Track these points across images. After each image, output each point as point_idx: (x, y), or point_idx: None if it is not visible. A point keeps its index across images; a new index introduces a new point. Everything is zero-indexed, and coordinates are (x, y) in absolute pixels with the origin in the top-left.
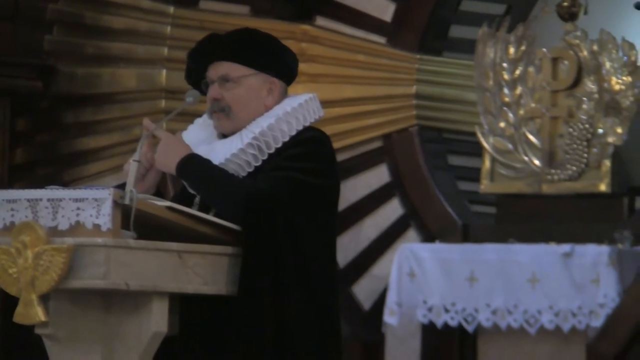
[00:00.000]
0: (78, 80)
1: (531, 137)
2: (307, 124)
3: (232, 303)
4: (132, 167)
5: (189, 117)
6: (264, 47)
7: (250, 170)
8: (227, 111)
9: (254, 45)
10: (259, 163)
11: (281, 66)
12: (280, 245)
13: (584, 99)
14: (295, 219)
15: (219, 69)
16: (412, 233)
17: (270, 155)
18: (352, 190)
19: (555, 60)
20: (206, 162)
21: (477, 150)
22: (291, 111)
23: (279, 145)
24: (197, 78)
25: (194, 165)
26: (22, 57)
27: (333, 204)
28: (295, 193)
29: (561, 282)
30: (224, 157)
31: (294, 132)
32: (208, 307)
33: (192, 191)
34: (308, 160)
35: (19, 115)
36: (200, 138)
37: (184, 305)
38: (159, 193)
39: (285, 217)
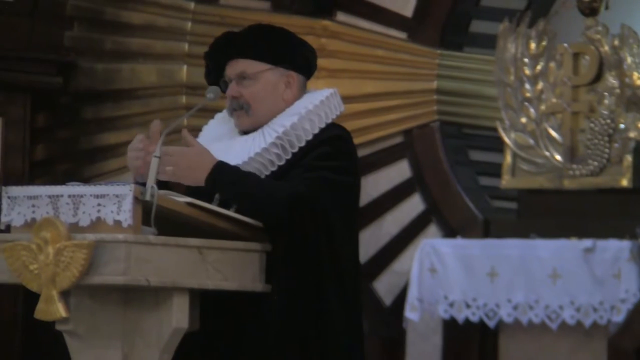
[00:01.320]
0: (98, 76)
1: (552, 133)
2: (329, 120)
3: (266, 300)
4: (152, 163)
5: (210, 112)
6: (278, 40)
7: (274, 169)
8: (246, 108)
9: (268, 40)
10: (283, 162)
11: (297, 59)
12: (320, 245)
13: (606, 94)
14: (331, 218)
15: (235, 67)
16: (433, 228)
17: (293, 154)
18: (373, 185)
19: (576, 56)
20: (236, 170)
21: (498, 146)
22: (313, 109)
23: (303, 144)
24: (216, 77)
25: (225, 176)
26: (42, 53)
27: (357, 201)
28: (329, 193)
29: (582, 277)
30: (247, 155)
31: (316, 130)
32: (229, 303)
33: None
34: (336, 159)
35: (39, 112)
36: (222, 132)
37: (205, 301)
38: (167, 186)
39: (324, 217)
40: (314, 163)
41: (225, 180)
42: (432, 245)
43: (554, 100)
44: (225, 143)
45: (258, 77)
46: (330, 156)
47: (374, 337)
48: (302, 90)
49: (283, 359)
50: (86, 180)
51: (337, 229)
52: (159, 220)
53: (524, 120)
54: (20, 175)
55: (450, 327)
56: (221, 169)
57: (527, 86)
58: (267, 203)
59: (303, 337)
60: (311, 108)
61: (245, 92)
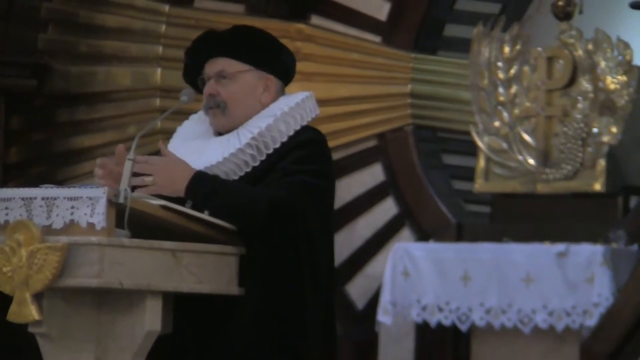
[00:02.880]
0: (72, 78)
1: (526, 137)
2: (304, 123)
3: (242, 304)
4: (126, 166)
5: (184, 115)
6: (261, 43)
7: (248, 170)
8: (222, 107)
9: (251, 42)
10: (257, 163)
11: (278, 63)
12: (300, 250)
13: (579, 98)
14: (310, 222)
15: (215, 65)
16: (406, 232)
17: (268, 155)
18: (347, 189)
19: (550, 60)
20: (215, 179)
21: (471, 150)
22: (288, 111)
23: (277, 145)
24: (194, 75)
25: (204, 185)
26: (16, 56)
27: (332, 204)
28: (308, 197)
29: (555, 281)
30: (222, 155)
31: (291, 133)
32: (203, 306)
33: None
34: (314, 162)
35: (13, 114)
36: (196, 132)
37: (178, 304)
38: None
39: (303, 222)
40: (292, 167)
41: (205, 189)
42: (405, 248)
43: (527, 104)
44: (200, 143)
45: (237, 77)
46: (307, 160)
47: (346, 340)
48: (279, 95)
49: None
50: (60, 183)
51: (315, 233)
52: (133, 223)
53: (497, 124)
54: None
55: (423, 331)
56: (200, 178)
57: (501, 90)
58: (248, 210)
59: (279, 340)
60: (286, 110)
61: (223, 91)
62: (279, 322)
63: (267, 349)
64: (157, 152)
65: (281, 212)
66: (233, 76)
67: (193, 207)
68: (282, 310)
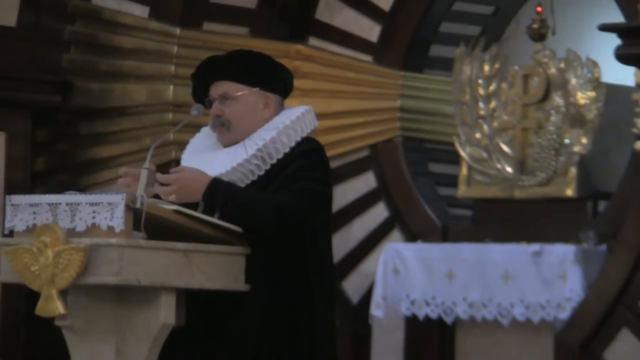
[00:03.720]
0: (92, 95)
1: (504, 147)
2: (304, 134)
3: (255, 300)
4: (142, 174)
5: (195, 128)
6: (258, 65)
7: (254, 178)
8: (227, 125)
9: (249, 65)
10: (262, 172)
11: (275, 81)
12: (307, 249)
13: (552, 112)
14: (314, 225)
15: (219, 88)
16: (396, 234)
17: (272, 165)
18: (342, 195)
19: (525, 77)
20: (228, 186)
21: (455, 159)
22: (290, 124)
23: (280, 156)
24: (201, 96)
25: (219, 192)
26: (42, 74)
27: (331, 208)
28: (311, 202)
29: (531, 278)
30: (230, 165)
31: (293, 144)
32: (212, 302)
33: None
34: (315, 170)
35: (39, 127)
36: (207, 145)
37: (190, 300)
38: (158, 195)
39: (308, 224)
40: (296, 174)
41: (219, 196)
42: (395, 249)
43: (505, 117)
44: (210, 154)
45: (239, 98)
46: (309, 168)
47: (342, 332)
48: (280, 109)
49: (264, 352)
50: (82, 190)
51: (318, 234)
52: (148, 226)
53: (478, 135)
54: (22, 185)
55: (412, 323)
56: (215, 186)
57: (481, 105)
58: (259, 214)
59: (290, 334)
60: (288, 123)
61: (227, 111)
62: (289, 318)
63: (279, 343)
64: (170, 162)
65: (288, 216)
66: (235, 97)
67: (204, 211)
68: (292, 306)
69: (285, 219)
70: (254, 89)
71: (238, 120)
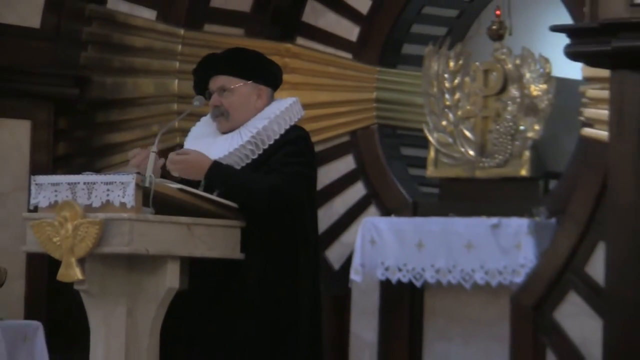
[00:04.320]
0: (107, 88)
1: (467, 133)
2: (292, 123)
3: (249, 267)
4: (150, 157)
5: (197, 117)
6: (252, 61)
7: (249, 162)
8: (225, 115)
9: (244, 61)
10: (256, 156)
11: (267, 75)
12: (294, 224)
13: (509, 102)
14: (301, 202)
15: (217, 82)
16: (372, 209)
17: (264, 150)
18: (325, 175)
19: (486, 72)
20: (227, 168)
21: (424, 143)
22: (280, 114)
23: (272, 142)
24: (202, 89)
25: (219, 173)
26: (63, 70)
27: (315, 188)
28: (299, 183)
29: (490, 247)
30: (227, 150)
31: (283, 131)
32: (213, 268)
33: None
34: (303, 155)
35: (60, 116)
36: (206, 132)
37: (193, 267)
38: (164, 175)
39: (296, 202)
40: (286, 159)
41: (219, 176)
42: (371, 222)
43: (468, 107)
44: (210, 140)
45: (235, 90)
46: (297, 153)
47: (326, 295)
48: (271, 100)
49: (260, 311)
50: (98, 171)
51: (304, 210)
52: (156, 202)
53: (444, 123)
54: (45, 167)
55: (386, 287)
56: (215, 168)
57: (447, 96)
58: (253, 193)
59: (279, 295)
60: (278, 113)
61: (225, 102)
62: (278, 282)
63: (269, 302)
64: (175, 147)
65: (278, 195)
66: (232, 89)
67: (204, 190)
68: (281, 271)
69: (276, 197)
70: (248, 82)
71: (234, 110)
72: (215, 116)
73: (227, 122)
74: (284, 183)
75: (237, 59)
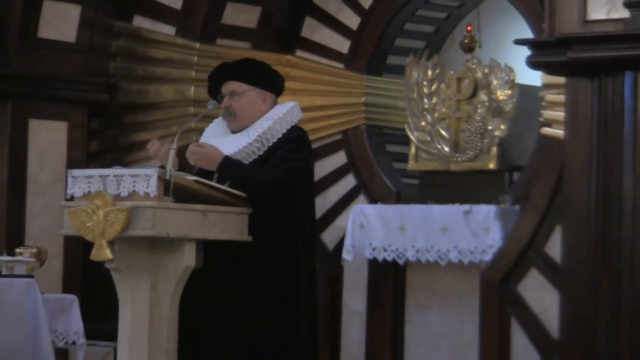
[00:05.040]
0: (133, 93)
1: (443, 132)
2: (293, 124)
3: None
4: (170, 154)
5: (210, 118)
6: (259, 70)
7: (255, 157)
8: (234, 116)
9: (252, 69)
10: (262, 153)
11: (271, 83)
12: (292, 211)
13: (479, 105)
14: (299, 193)
15: (228, 87)
16: (361, 197)
17: (269, 147)
18: (321, 168)
19: (459, 79)
20: (237, 162)
21: (406, 141)
22: (282, 116)
23: (275, 140)
24: (215, 93)
25: (230, 166)
26: (95, 78)
27: (312, 180)
28: (299, 176)
29: (463, 230)
30: (237, 147)
31: (284, 131)
32: (224, 249)
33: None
34: (301, 152)
35: (93, 118)
36: (218, 132)
37: (207, 247)
38: (182, 168)
39: (294, 193)
40: (287, 155)
41: (229, 169)
42: (360, 209)
43: (443, 110)
44: (221, 139)
45: (243, 94)
46: (297, 150)
47: (321, 272)
48: (274, 104)
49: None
50: (125, 165)
51: (302, 200)
52: (175, 192)
53: (423, 123)
54: (80, 162)
55: (373, 264)
56: (227, 161)
57: (425, 100)
58: (258, 184)
59: (282, 273)
60: (280, 115)
61: (235, 104)
62: (281, 261)
63: (274, 279)
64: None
65: (280, 187)
66: (241, 94)
67: (217, 181)
68: (283, 252)
69: (278, 189)
70: (255, 88)
71: (242, 112)
72: (225, 116)
73: (235, 122)
74: (284, 176)
75: (247, 68)
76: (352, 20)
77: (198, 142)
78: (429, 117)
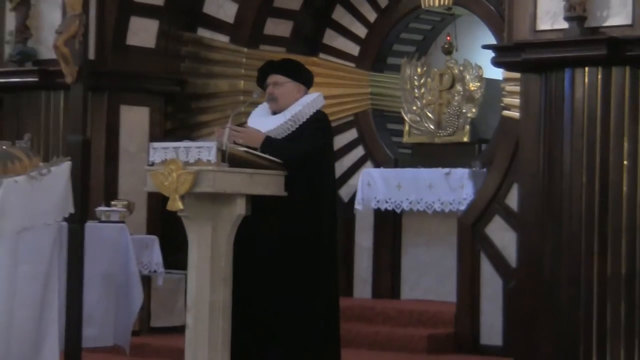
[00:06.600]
0: (198, 86)
1: (429, 114)
2: (317, 108)
3: (289, 202)
4: (226, 131)
5: (255, 105)
6: (296, 67)
7: (289, 133)
8: (275, 100)
9: (291, 66)
10: (294, 129)
11: (303, 78)
12: (317, 172)
13: (456, 94)
14: (322, 161)
15: (272, 78)
16: (368, 163)
17: (300, 125)
18: (338, 142)
19: (441, 75)
20: (275, 140)
21: (401, 121)
22: (310, 102)
23: (304, 120)
24: (262, 83)
25: (271, 143)
26: (169, 75)
27: (333, 151)
28: (322, 149)
29: (444, 187)
30: (276, 124)
31: (311, 113)
32: (266, 201)
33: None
34: (324, 130)
35: (168, 104)
36: (262, 114)
37: (254, 200)
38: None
39: (319, 161)
40: (313, 132)
41: (270, 145)
42: (368, 171)
43: (430, 97)
44: (264, 119)
45: (283, 85)
46: (320, 129)
47: (339, 218)
48: (305, 94)
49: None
50: (192, 140)
51: (324, 167)
52: (229, 160)
53: (414, 108)
54: (159, 137)
55: (377, 213)
56: (268, 140)
57: (416, 91)
58: (291, 154)
59: (306, 223)
60: (309, 102)
61: (276, 92)
62: (309, 208)
63: (301, 227)
64: (242, 124)
65: (307, 156)
66: (281, 84)
67: (261, 151)
68: (308, 206)
69: (306, 157)
70: (292, 81)
71: (281, 97)
72: (269, 101)
73: (276, 105)
74: (310, 148)
75: (287, 65)
76: (361, 31)
77: (245, 124)
78: (418, 103)
